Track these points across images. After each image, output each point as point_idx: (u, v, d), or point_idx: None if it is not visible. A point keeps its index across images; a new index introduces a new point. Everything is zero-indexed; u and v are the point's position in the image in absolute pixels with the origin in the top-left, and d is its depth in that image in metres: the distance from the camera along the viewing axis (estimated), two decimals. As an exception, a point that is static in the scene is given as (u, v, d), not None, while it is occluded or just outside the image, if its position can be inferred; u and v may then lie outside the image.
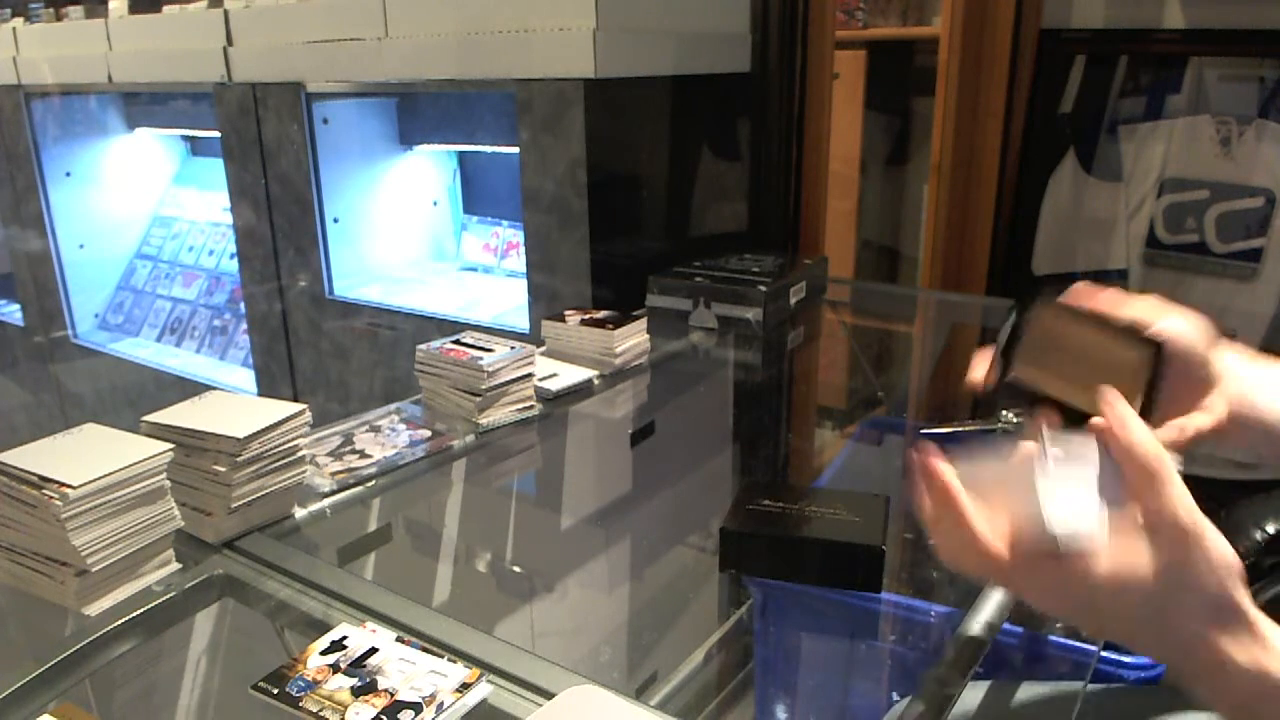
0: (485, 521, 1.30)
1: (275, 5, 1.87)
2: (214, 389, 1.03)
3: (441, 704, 0.58)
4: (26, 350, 2.83)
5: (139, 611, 0.72)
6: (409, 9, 1.62)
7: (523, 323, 1.70)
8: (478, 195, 2.24)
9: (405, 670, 0.61)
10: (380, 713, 0.57)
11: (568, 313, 1.30)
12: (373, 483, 0.95)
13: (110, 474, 0.70)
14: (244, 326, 2.36)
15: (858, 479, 1.36)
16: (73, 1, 2.42)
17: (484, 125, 1.94)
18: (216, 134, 2.06)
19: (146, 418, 0.81)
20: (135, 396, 2.55)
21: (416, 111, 2.06)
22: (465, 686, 0.60)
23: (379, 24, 1.66)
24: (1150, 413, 0.64)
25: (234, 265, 2.38)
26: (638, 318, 1.29)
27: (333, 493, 0.91)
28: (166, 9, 2.14)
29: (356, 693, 0.59)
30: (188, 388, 2.37)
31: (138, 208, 2.81)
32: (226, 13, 1.94)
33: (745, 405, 1.53)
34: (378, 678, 0.61)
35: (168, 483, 0.75)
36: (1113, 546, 0.54)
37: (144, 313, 2.73)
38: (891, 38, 2.50)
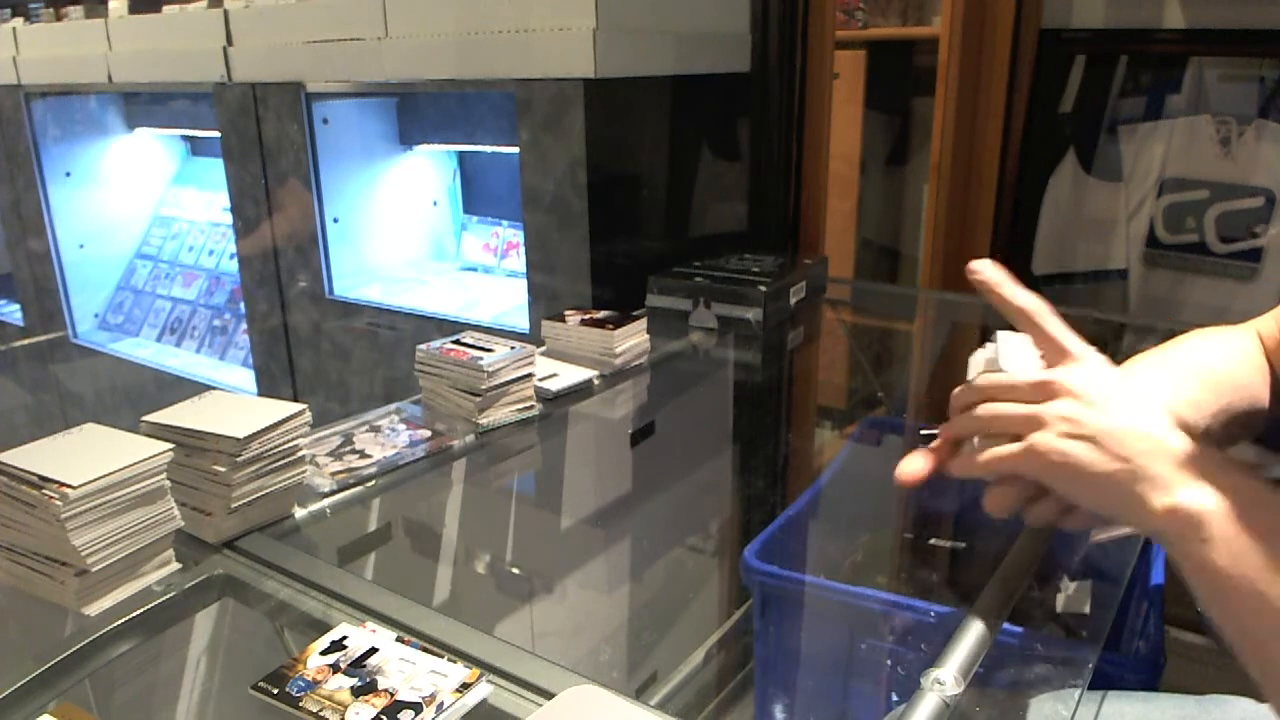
0: (485, 521, 1.29)
1: (275, 5, 1.87)
2: (214, 389, 1.03)
3: (441, 704, 0.58)
4: (26, 350, 2.83)
5: (139, 611, 0.72)
6: (409, 9, 1.62)
7: (523, 323, 1.70)
8: (478, 195, 2.24)
9: (405, 670, 0.62)
10: (380, 713, 0.57)
11: (568, 313, 1.30)
12: (373, 483, 0.95)
13: (110, 474, 0.70)
14: (244, 326, 2.36)
15: (858, 479, 1.36)
16: (73, 1, 2.42)
17: (484, 125, 1.94)
18: (216, 134, 2.06)
19: (146, 418, 0.81)
20: (135, 396, 2.55)
21: (416, 111, 2.06)
22: (465, 686, 0.60)
23: (379, 24, 1.66)
24: None
25: (234, 265, 2.38)
26: (638, 318, 1.29)
27: (333, 493, 0.91)
28: (166, 9, 2.14)
29: (356, 693, 0.59)
30: (188, 388, 2.37)
31: (138, 208, 2.81)
32: (226, 13, 1.94)
33: (745, 405, 1.53)
34: (378, 678, 0.61)
35: (168, 483, 0.75)
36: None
37: (144, 313, 2.73)
38: (891, 38, 2.50)
